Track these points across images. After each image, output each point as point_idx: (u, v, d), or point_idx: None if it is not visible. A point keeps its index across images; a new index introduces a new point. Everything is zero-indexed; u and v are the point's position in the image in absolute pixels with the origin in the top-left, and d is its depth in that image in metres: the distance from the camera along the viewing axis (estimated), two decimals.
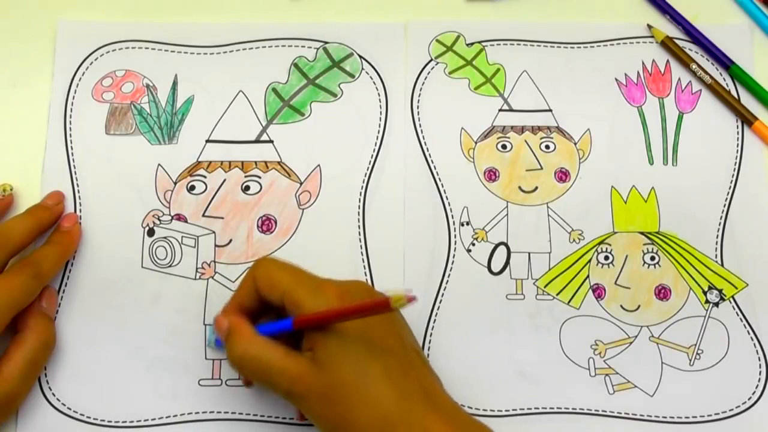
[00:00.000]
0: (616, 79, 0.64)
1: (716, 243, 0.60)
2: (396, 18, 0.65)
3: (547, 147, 0.62)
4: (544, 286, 0.59)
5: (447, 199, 0.60)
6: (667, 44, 0.64)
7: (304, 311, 0.48)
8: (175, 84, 0.62)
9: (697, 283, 0.59)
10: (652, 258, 0.59)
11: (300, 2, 0.65)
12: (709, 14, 0.66)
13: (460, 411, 0.49)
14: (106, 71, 0.62)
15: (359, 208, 0.60)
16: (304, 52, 0.63)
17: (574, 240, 0.60)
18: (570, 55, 0.64)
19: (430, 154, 0.61)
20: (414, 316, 0.52)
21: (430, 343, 0.57)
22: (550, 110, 0.63)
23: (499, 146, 0.62)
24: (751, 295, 0.59)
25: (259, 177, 0.60)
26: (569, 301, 0.58)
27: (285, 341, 0.49)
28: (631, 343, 0.58)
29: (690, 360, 0.57)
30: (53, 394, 0.55)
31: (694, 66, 0.64)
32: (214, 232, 0.59)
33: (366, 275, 0.58)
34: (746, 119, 0.63)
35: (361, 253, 0.59)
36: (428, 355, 0.57)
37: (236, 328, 0.49)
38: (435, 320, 0.58)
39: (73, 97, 0.61)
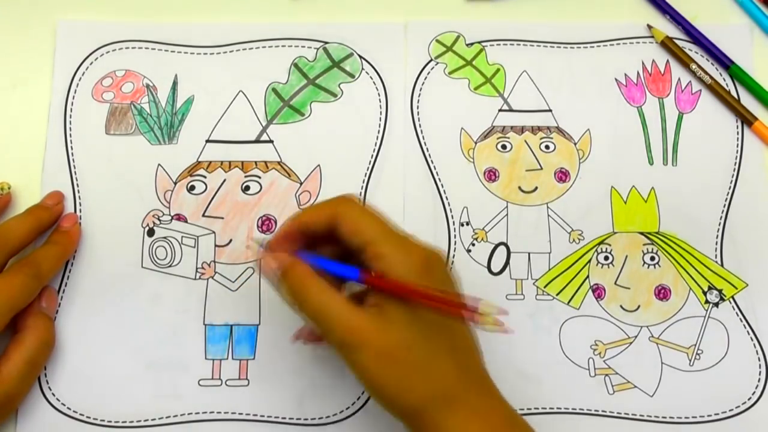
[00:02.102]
0: (616, 79, 0.64)
1: (716, 243, 0.60)
2: (396, 18, 0.65)
3: (547, 147, 0.62)
4: (544, 287, 0.59)
5: (447, 199, 0.60)
6: (666, 44, 0.64)
7: (388, 268, 0.46)
8: (175, 84, 0.62)
9: (696, 283, 0.59)
10: (652, 258, 0.59)
11: (300, 2, 0.65)
12: (709, 14, 0.66)
13: (507, 402, 0.48)
14: (106, 71, 0.62)
15: None
16: (304, 52, 0.63)
17: (573, 240, 0.60)
18: (570, 55, 0.64)
19: (430, 154, 0.61)
20: None
21: None
22: (550, 110, 0.63)
23: (499, 146, 0.62)
24: (751, 295, 0.59)
25: (259, 177, 0.60)
26: (569, 302, 0.58)
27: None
28: (630, 343, 0.58)
29: (690, 360, 0.57)
30: (53, 394, 0.55)
31: (693, 66, 0.64)
32: (214, 232, 0.59)
33: None
34: (746, 119, 0.63)
35: None
36: None
37: (294, 266, 0.47)
38: None
39: (73, 97, 0.61)
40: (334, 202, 0.49)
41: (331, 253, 0.50)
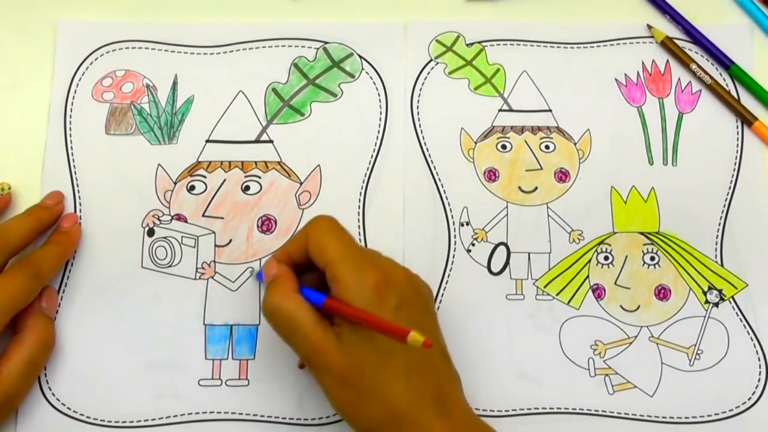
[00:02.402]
0: (616, 80, 0.64)
1: (716, 243, 0.60)
2: (396, 18, 0.65)
3: (547, 147, 0.62)
4: (544, 287, 0.59)
5: (447, 199, 0.60)
6: (666, 44, 0.64)
7: (343, 290, 0.48)
8: (175, 84, 0.62)
9: (696, 283, 0.59)
10: (652, 258, 0.59)
11: (300, 2, 0.65)
12: (709, 14, 0.66)
13: (470, 417, 0.49)
14: (106, 71, 0.62)
15: (359, 208, 0.60)
16: (304, 52, 0.63)
17: (573, 240, 0.60)
18: (570, 56, 0.64)
19: (430, 154, 0.61)
20: None
21: None
22: (550, 110, 0.63)
23: (499, 146, 0.62)
24: (751, 295, 0.59)
25: (259, 177, 0.60)
26: (569, 301, 0.58)
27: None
28: (630, 343, 0.58)
29: (690, 360, 0.57)
30: (53, 394, 0.55)
31: (693, 66, 0.64)
32: (214, 232, 0.59)
33: None
34: (746, 119, 0.63)
35: None
36: None
37: (280, 279, 0.50)
38: None
39: (73, 97, 0.61)
40: (308, 224, 0.52)
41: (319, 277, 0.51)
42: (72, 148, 0.60)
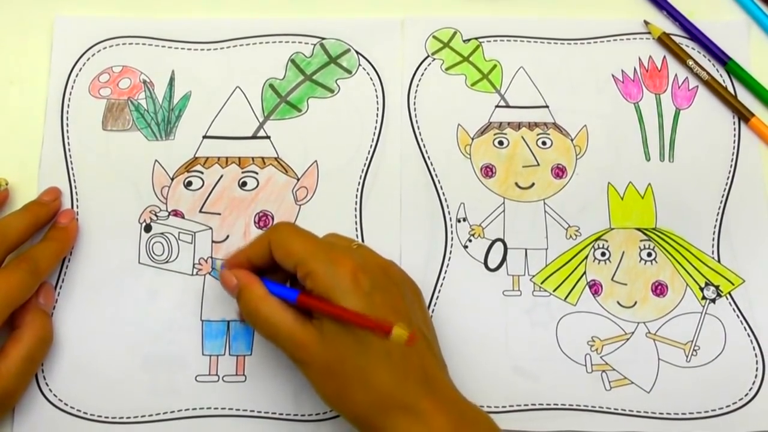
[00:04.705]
0: (613, 76, 0.64)
1: (713, 239, 0.60)
2: (393, 14, 0.65)
3: (544, 143, 0.62)
4: (541, 283, 0.59)
5: (444, 195, 0.60)
6: (663, 40, 0.64)
7: (318, 285, 0.48)
8: (172, 80, 0.62)
9: (693, 279, 0.59)
10: (649, 254, 0.59)
11: None
12: (706, 10, 0.66)
13: (458, 397, 0.49)
14: (103, 67, 0.62)
15: (356, 204, 0.60)
16: (301, 48, 0.63)
17: (570, 236, 0.60)
18: (567, 52, 0.64)
19: (426, 151, 0.61)
20: None
21: None
22: (547, 106, 0.63)
23: (496, 142, 0.62)
24: (748, 291, 0.59)
25: (256, 173, 0.60)
26: (566, 298, 0.59)
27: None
28: (627, 339, 0.58)
29: (687, 356, 0.57)
30: (50, 390, 0.55)
31: (690, 62, 0.64)
32: (211, 228, 0.59)
33: None
34: (743, 115, 0.63)
35: None
36: None
37: (249, 285, 0.50)
38: (432, 316, 0.58)
39: (70, 93, 0.61)
40: (268, 230, 0.52)
41: (285, 278, 0.52)
42: (69, 144, 0.60)
